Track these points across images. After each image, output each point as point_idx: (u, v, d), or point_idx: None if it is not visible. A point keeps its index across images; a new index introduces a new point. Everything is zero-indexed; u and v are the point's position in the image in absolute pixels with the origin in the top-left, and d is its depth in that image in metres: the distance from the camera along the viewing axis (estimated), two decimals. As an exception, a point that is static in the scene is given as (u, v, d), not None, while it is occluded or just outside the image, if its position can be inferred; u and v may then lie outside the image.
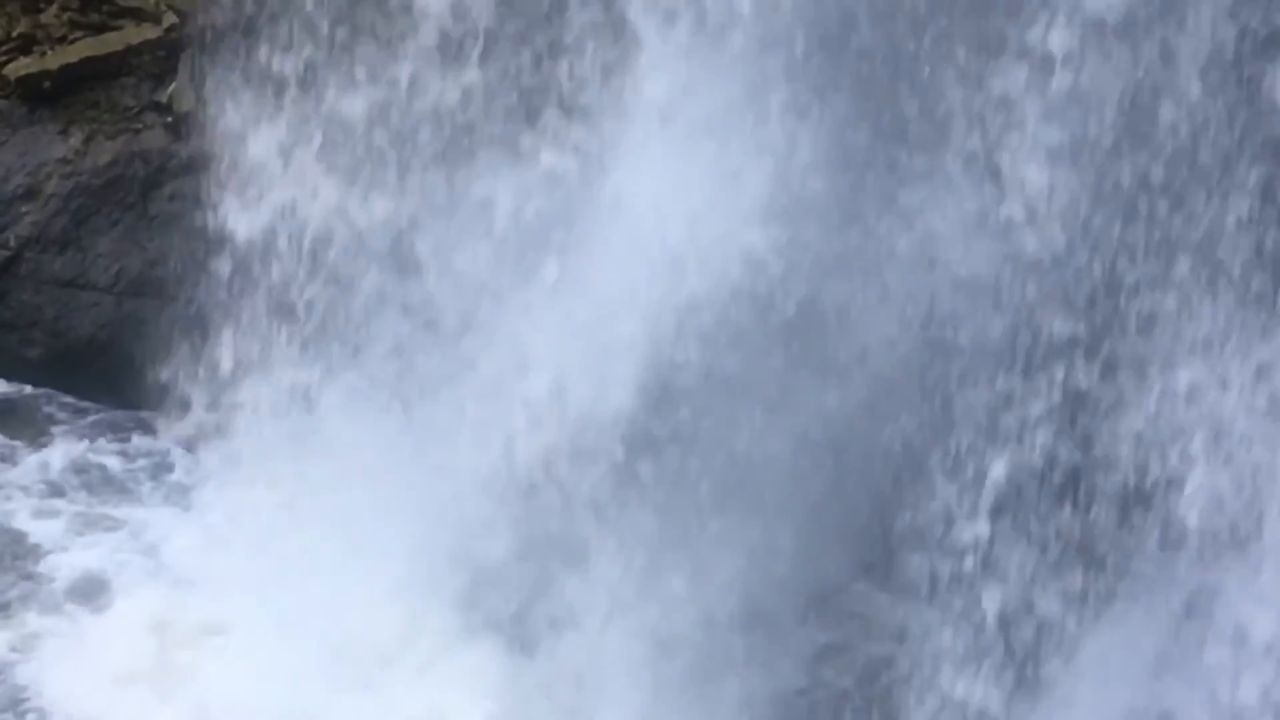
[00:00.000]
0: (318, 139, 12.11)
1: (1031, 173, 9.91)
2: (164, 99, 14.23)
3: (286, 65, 12.32)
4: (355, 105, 12.05)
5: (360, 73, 12.04)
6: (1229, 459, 9.51)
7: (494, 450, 10.97)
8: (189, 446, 13.54)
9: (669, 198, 10.38)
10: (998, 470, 9.96)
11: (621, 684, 10.79)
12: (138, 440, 13.85)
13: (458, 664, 11.36)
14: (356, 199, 11.93)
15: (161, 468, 13.59)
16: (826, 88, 10.33)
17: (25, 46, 14.57)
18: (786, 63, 10.27)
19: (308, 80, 12.22)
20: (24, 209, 14.34)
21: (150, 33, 14.45)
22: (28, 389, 14.23)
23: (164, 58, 14.27)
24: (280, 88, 12.25)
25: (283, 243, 12.25)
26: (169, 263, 13.61)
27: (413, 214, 11.76)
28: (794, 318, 10.46)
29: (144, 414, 13.87)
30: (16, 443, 13.71)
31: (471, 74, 11.57)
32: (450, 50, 11.58)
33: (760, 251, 10.33)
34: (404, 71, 11.84)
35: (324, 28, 12.18)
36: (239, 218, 12.40)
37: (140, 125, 14.40)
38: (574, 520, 10.77)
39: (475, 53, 11.49)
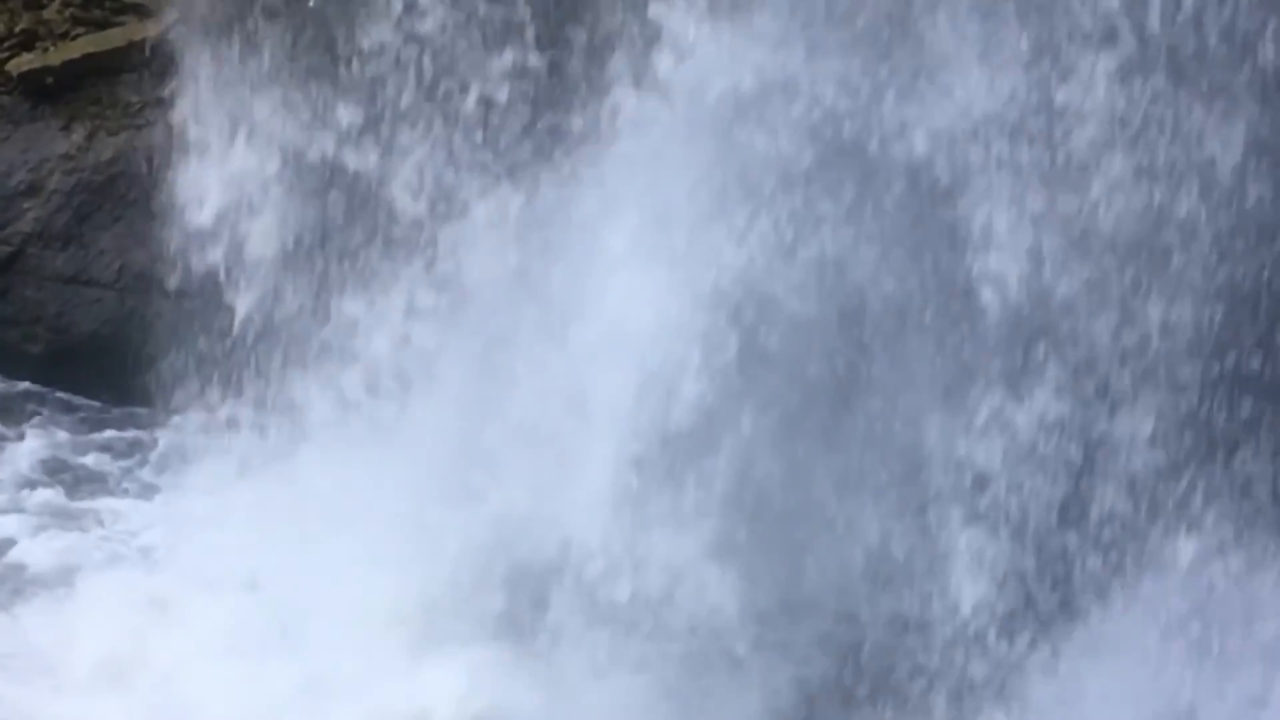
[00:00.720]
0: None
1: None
2: (167, 95, 14.15)
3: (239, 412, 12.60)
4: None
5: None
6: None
7: None
8: (180, 443, 13.55)
9: (621, 543, 10.48)
10: None
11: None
12: (129, 435, 13.86)
13: (449, 665, 11.29)
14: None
15: (149, 464, 13.61)
16: (778, 432, 10.39)
17: (27, 42, 14.44)
18: (734, 434, 10.34)
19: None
20: (26, 205, 14.34)
21: (153, 29, 14.24)
22: (21, 385, 14.24)
23: (166, 54, 14.17)
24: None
25: None
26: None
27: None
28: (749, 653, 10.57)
29: (140, 410, 13.87)
30: (8, 434, 13.78)
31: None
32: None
33: (712, 591, 10.42)
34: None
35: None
36: None
37: (143, 121, 14.30)
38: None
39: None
